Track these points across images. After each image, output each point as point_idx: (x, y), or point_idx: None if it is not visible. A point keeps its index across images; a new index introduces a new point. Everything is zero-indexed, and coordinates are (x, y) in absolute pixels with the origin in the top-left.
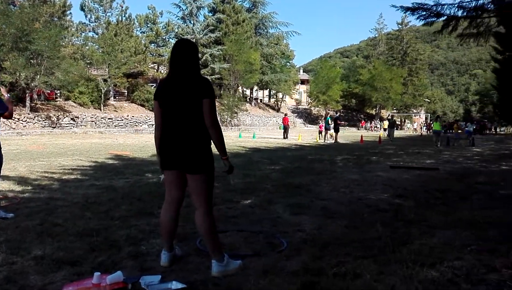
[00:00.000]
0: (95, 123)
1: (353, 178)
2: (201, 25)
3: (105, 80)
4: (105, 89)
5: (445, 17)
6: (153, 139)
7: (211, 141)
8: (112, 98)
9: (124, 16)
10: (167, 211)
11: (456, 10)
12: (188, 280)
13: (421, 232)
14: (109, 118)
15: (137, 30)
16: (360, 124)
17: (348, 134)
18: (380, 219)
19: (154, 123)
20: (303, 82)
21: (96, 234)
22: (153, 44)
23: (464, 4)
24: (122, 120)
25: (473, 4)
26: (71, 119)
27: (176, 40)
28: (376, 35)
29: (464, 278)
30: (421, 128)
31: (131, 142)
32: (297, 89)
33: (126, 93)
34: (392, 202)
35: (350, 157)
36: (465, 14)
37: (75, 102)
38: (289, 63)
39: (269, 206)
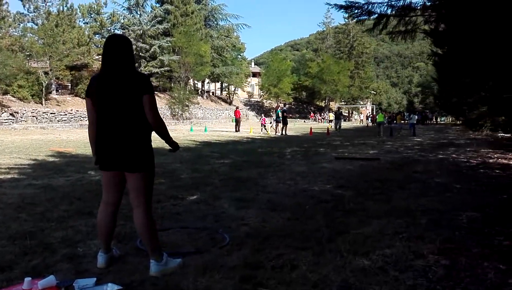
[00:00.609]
0: (36, 118)
1: (299, 170)
2: (148, 16)
3: (46, 73)
4: (46, 82)
5: (376, 15)
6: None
7: (151, 137)
8: (55, 91)
9: (66, 6)
10: (104, 212)
11: (386, 8)
12: (125, 281)
13: (358, 221)
14: (51, 113)
15: (80, 21)
16: (310, 116)
17: (299, 126)
18: (321, 210)
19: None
20: (254, 75)
21: (30, 237)
22: (97, 35)
23: (393, 3)
24: (66, 114)
25: (401, 3)
26: (10, 114)
27: (109, 35)
28: (324, 29)
29: (393, 265)
30: (367, 119)
31: (75, 137)
32: (249, 82)
33: (69, 86)
34: (334, 192)
35: (298, 149)
36: (394, 12)
37: (14, 96)
38: (240, 56)
39: (215, 201)
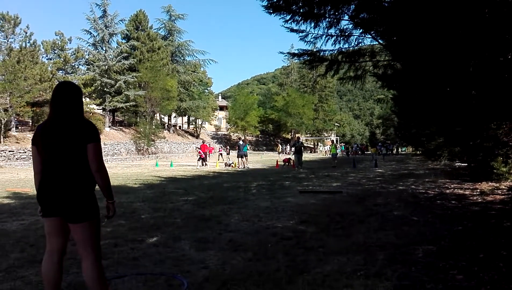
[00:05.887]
0: None
1: (263, 206)
2: (114, 51)
3: (5, 110)
4: (5, 119)
5: (328, 61)
6: None
7: (95, 185)
8: (14, 128)
9: (29, 42)
10: (49, 261)
11: (337, 55)
12: None
13: (318, 259)
14: (10, 151)
15: (43, 57)
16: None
17: (265, 159)
18: (282, 248)
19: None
20: (222, 108)
21: None
22: (61, 71)
23: (343, 49)
24: (25, 152)
25: (351, 49)
26: None
27: (59, 82)
28: (289, 64)
29: None
30: (326, 152)
31: None
32: (216, 116)
33: (30, 123)
34: (297, 229)
35: (264, 183)
36: (344, 58)
37: None
38: (207, 90)
39: (175, 243)
